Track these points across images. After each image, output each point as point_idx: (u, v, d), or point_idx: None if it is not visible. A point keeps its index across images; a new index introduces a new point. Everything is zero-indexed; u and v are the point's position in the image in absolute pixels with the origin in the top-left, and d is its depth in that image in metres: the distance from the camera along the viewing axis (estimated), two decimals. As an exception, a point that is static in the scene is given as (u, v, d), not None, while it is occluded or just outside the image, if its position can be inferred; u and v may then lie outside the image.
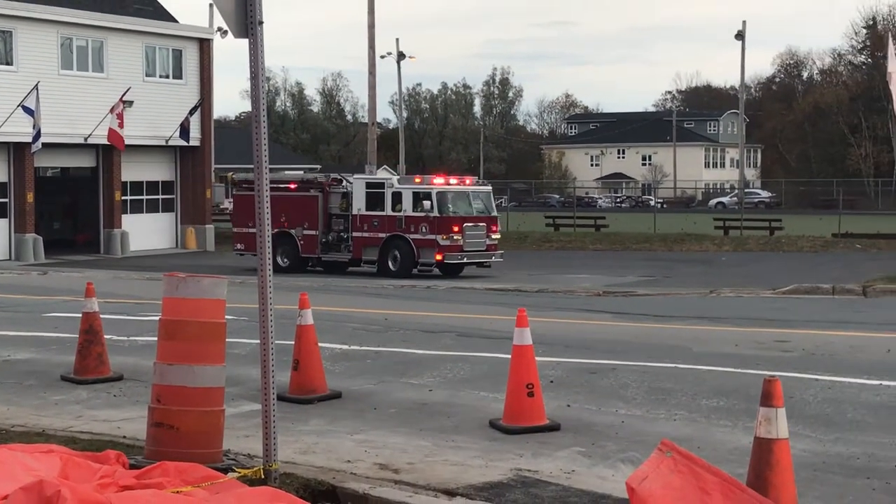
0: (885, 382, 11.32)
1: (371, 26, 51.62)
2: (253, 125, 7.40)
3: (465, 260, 34.28)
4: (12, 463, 6.82)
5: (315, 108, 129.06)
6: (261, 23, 7.24)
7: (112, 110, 41.84)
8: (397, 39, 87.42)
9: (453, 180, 37.03)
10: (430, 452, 8.86)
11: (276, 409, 7.66)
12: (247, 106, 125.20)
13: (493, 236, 35.67)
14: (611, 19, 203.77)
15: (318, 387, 10.74)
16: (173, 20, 51.26)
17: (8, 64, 43.51)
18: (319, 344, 12.92)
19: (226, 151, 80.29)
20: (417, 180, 36.68)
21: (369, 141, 52.32)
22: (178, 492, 6.82)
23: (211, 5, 58.68)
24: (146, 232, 47.72)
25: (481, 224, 35.32)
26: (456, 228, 34.48)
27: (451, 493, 7.78)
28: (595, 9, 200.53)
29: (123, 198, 47.22)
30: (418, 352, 13.24)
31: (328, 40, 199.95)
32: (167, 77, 48.87)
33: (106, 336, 11.93)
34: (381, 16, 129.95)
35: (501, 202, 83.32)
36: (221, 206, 68.88)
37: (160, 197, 49.45)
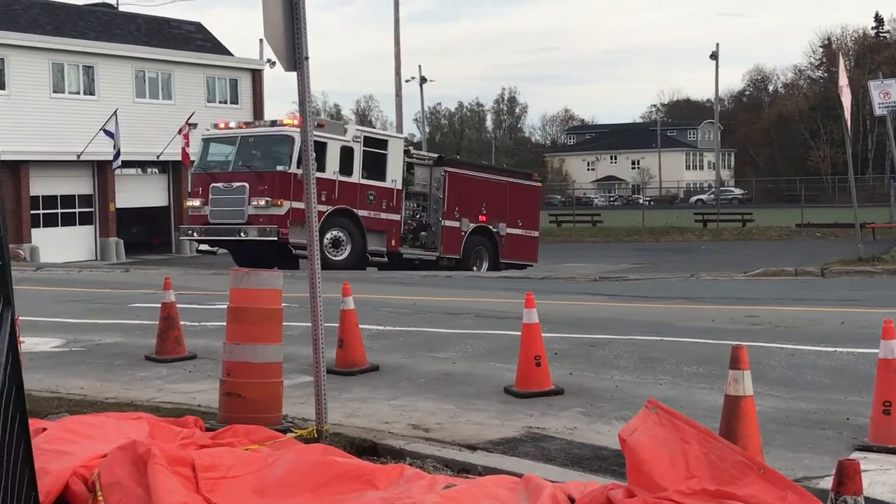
0: (839, 349, 11.41)
1: (397, 55, 51.81)
2: (302, 143, 7.57)
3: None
4: (109, 427, 7.01)
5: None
6: (307, 58, 7.41)
7: (179, 132, 42.24)
8: (419, 66, 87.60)
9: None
10: (454, 414, 9.01)
11: (325, 380, 7.83)
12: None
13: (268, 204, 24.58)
14: (598, 43, 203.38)
15: (359, 361, 10.90)
16: (230, 54, 51.54)
17: (91, 94, 43.87)
18: (362, 325, 13.15)
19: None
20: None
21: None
22: (246, 449, 7.00)
23: (261, 41, 58.99)
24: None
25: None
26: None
27: (472, 448, 7.93)
28: (581, 36, 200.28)
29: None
30: (443, 331, 13.37)
31: (361, 67, 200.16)
32: (225, 102, 49.17)
33: (181, 321, 12.10)
34: (405, 45, 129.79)
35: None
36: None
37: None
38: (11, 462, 4.83)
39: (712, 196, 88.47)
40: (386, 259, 27.18)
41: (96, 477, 5.89)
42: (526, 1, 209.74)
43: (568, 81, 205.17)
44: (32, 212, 42.24)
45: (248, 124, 26.46)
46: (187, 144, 42.35)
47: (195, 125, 43.34)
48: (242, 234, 24.88)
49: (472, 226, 29.01)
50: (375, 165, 26.72)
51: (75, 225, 43.76)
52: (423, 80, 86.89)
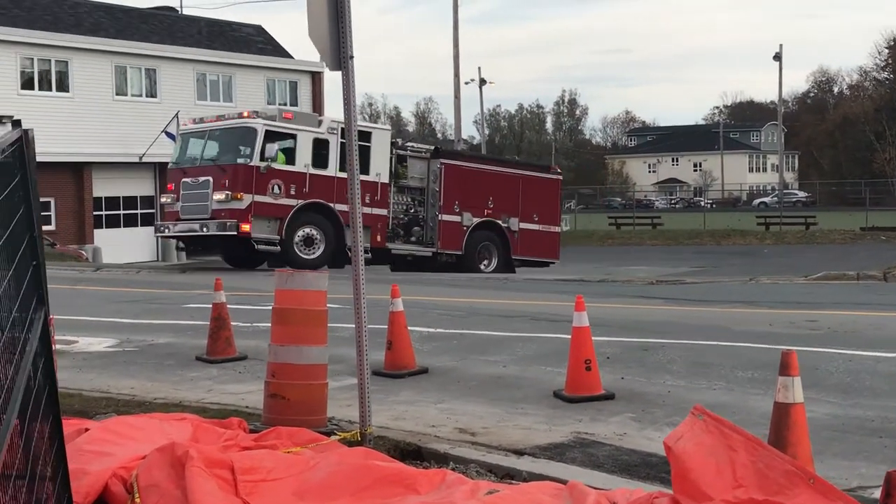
0: (899, 355, 11.13)
1: (456, 58, 51.75)
2: (347, 143, 7.49)
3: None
4: (151, 428, 6.99)
5: (410, 128, 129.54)
6: (351, 57, 7.33)
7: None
8: (479, 68, 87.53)
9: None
10: (502, 418, 8.88)
11: (370, 382, 7.75)
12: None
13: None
14: (660, 45, 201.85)
15: (408, 364, 10.81)
16: (290, 56, 51.81)
17: (153, 96, 44.31)
18: (410, 328, 13.00)
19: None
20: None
21: (455, 146, 52.37)
22: (288, 452, 6.94)
23: (321, 43, 59.18)
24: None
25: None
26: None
27: (519, 453, 7.81)
28: (645, 37, 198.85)
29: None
30: (495, 333, 13.24)
31: (422, 69, 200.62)
32: (285, 104, 49.40)
33: (232, 322, 12.09)
34: (465, 47, 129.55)
35: (570, 205, 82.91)
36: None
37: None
38: (45, 463, 4.79)
39: (775, 199, 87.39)
40: (369, 255, 25.39)
41: (134, 479, 5.86)
42: (588, 2, 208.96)
43: (629, 83, 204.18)
44: (95, 213, 42.77)
45: (219, 118, 25.72)
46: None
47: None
48: (205, 229, 24.42)
49: (476, 220, 27.85)
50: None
51: (137, 226, 44.23)
52: (482, 82, 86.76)
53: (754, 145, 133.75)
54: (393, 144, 26.84)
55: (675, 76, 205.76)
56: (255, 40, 51.54)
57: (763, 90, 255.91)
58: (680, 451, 5.56)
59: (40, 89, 41.17)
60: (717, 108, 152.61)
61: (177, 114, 40.47)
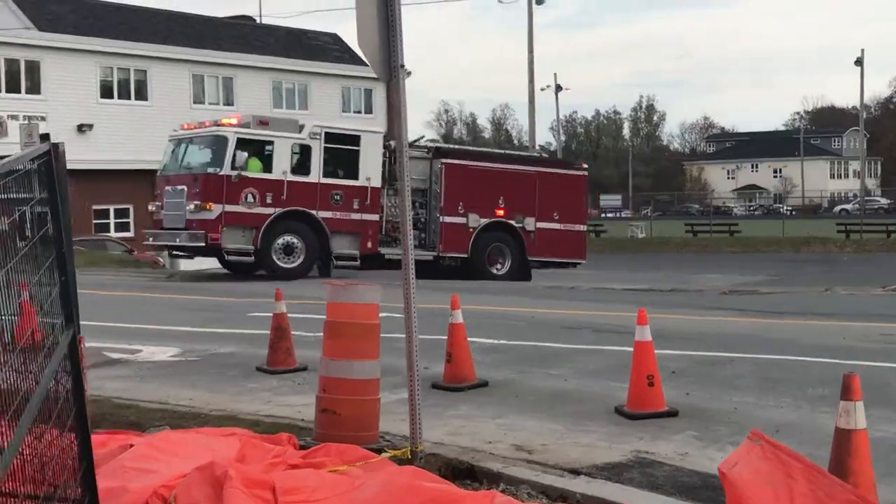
0: (980, 372, 10.65)
1: (531, 63, 51.47)
2: (397, 152, 7.32)
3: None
4: (196, 445, 6.87)
5: (486, 134, 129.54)
6: (402, 66, 7.16)
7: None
8: (555, 74, 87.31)
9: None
10: (561, 435, 8.64)
11: (420, 398, 7.57)
12: (430, 135, 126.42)
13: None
14: (740, 50, 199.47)
15: (467, 377, 10.59)
16: (365, 64, 52.00)
17: (230, 104, 44.74)
18: (473, 339, 12.80)
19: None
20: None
21: (531, 162, 52.05)
22: (334, 470, 6.77)
23: (396, 50, 59.38)
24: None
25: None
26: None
27: (575, 472, 7.56)
28: (724, 42, 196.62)
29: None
30: (558, 345, 12.97)
31: (498, 76, 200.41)
32: (360, 112, 49.60)
33: (295, 332, 11.96)
34: (542, 54, 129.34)
35: (646, 212, 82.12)
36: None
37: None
38: (72, 484, 4.67)
39: (857, 206, 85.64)
40: (357, 262, 25.38)
41: (173, 499, 5.72)
42: (665, 7, 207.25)
43: (707, 88, 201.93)
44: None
45: (200, 125, 25.29)
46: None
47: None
48: (177, 239, 24.22)
49: (485, 221, 26.77)
50: (344, 163, 25.12)
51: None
52: (558, 88, 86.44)
53: (835, 151, 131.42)
54: (386, 147, 25.96)
55: (755, 81, 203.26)
56: (331, 49, 51.80)
57: (844, 95, 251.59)
58: (735, 478, 5.29)
59: (119, 98, 41.76)
60: (798, 113, 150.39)
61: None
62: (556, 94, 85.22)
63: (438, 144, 28.29)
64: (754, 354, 12.00)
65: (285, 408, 9.80)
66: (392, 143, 25.19)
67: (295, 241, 24.25)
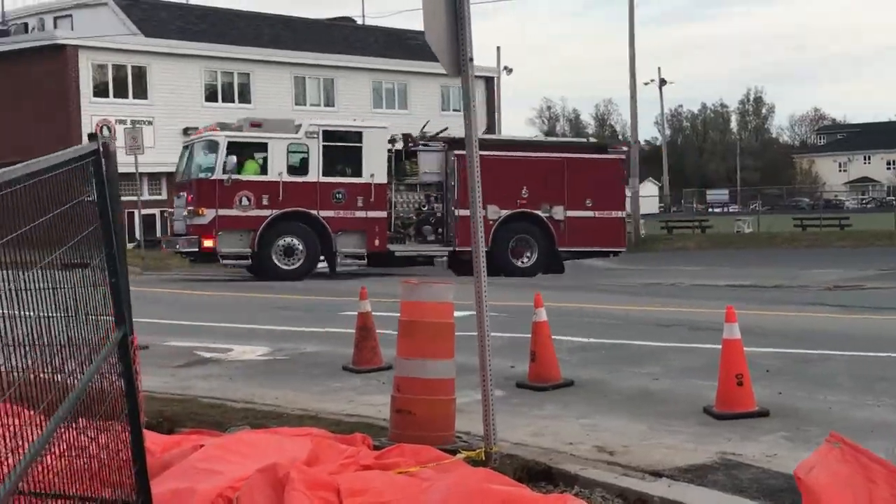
0: None
1: (632, 58, 50.84)
2: (467, 151, 7.17)
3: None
4: (267, 445, 6.80)
5: (590, 130, 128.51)
6: (471, 60, 7.01)
7: (415, 140, 42.85)
8: (659, 68, 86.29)
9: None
10: (645, 436, 8.40)
11: (493, 398, 7.41)
12: (532, 132, 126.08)
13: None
14: (850, 41, 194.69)
15: (553, 376, 10.38)
16: (464, 62, 51.96)
17: (330, 105, 45.11)
18: (562, 337, 12.62)
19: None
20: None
21: (631, 157, 51.41)
22: (405, 472, 6.65)
23: (498, 48, 59.21)
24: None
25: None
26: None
27: (657, 474, 7.32)
28: (833, 33, 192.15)
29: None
30: (650, 343, 12.66)
31: (601, 71, 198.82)
32: (459, 111, 49.49)
33: (384, 331, 11.88)
34: (646, 48, 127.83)
35: (755, 206, 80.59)
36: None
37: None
38: (125, 487, 4.63)
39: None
40: (364, 261, 25.35)
41: (236, 500, 5.66)
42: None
43: (817, 80, 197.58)
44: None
45: (200, 130, 25.57)
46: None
47: (430, 133, 43.96)
48: (178, 245, 24.43)
49: (505, 213, 25.88)
50: (346, 160, 24.89)
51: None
52: (662, 82, 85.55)
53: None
54: (391, 142, 25.66)
55: (867, 72, 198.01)
56: (430, 48, 51.89)
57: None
58: (812, 483, 5.02)
59: (223, 101, 42.40)
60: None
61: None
62: (661, 89, 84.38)
63: (454, 136, 27.17)
64: (853, 352, 11.57)
65: (368, 407, 9.73)
66: (398, 136, 25.23)
67: (295, 241, 24.19)
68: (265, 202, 23.81)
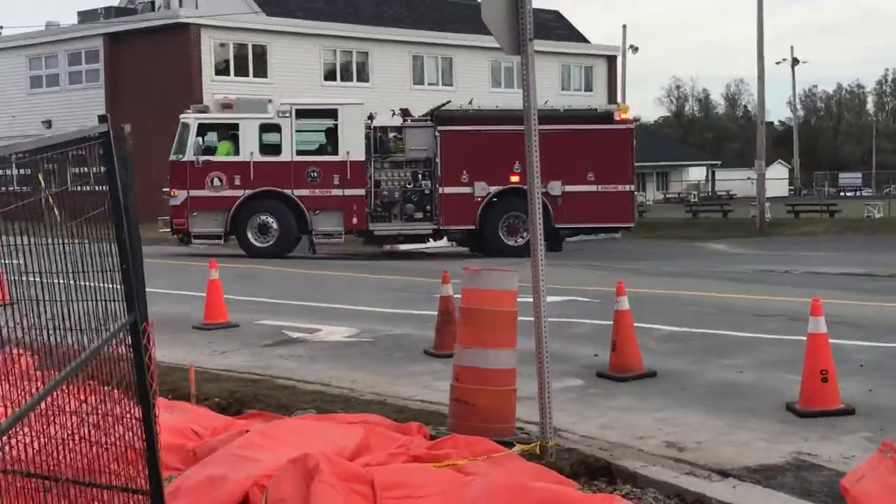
0: None
1: (760, 39, 49.44)
2: (526, 131, 6.92)
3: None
4: (313, 433, 6.69)
5: (720, 110, 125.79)
6: (531, 39, 6.76)
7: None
8: (791, 47, 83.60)
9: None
10: (720, 432, 8.06)
11: (550, 390, 7.17)
12: (660, 112, 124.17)
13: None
14: None
15: (633, 366, 10.06)
16: (586, 41, 51.26)
17: (448, 85, 44.98)
18: (651, 325, 12.29)
19: (646, 150, 79.58)
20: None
21: (758, 139, 50.06)
22: (453, 465, 6.47)
23: (624, 27, 58.30)
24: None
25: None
26: None
27: (724, 474, 7.00)
28: None
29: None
30: (741, 334, 12.20)
31: (732, 51, 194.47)
32: (579, 90, 48.97)
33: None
34: (780, 26, 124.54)
35: (889, 189, 77.91)
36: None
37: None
38: (134, 475, 4.56)
39: None
40: (342, 240, 25.23)
41: (266, 491, 5.56)
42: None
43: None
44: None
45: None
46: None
47: (549, 113, 43.54)
48: (164, 225, 24.80)
49: (495, 189, 25.13)
50: (322, 138, 24.99)
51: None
52: (794, 61, 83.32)
53: None
54: (370, 118, 25.41)
55: None
56: (552, 26, 51.33)
57: None
58: (859, 493, 4.70)
59: (342, 80, 42.64)
60: None
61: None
62: (793, 68, 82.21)
63: (443, 111, 26.63)
64: (960, 348, 10.95)
65: (440, 393, 9.54)
66: (372, 114, 25.10)
67: (269, 220, 24.35)
68: (237, 182, 24.21)
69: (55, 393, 4.01)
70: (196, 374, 10.23)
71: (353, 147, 24.56)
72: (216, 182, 24.14)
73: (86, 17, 45.57)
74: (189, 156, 24.25)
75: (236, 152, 24.32)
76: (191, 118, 24.60)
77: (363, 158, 24.73)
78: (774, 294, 16.16)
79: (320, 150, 24.87)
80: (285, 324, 13.67)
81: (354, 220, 24.87)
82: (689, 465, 7.22)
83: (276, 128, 24.48)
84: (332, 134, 24.87)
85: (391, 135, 25.55)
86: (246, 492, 5.70)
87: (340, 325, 13.57)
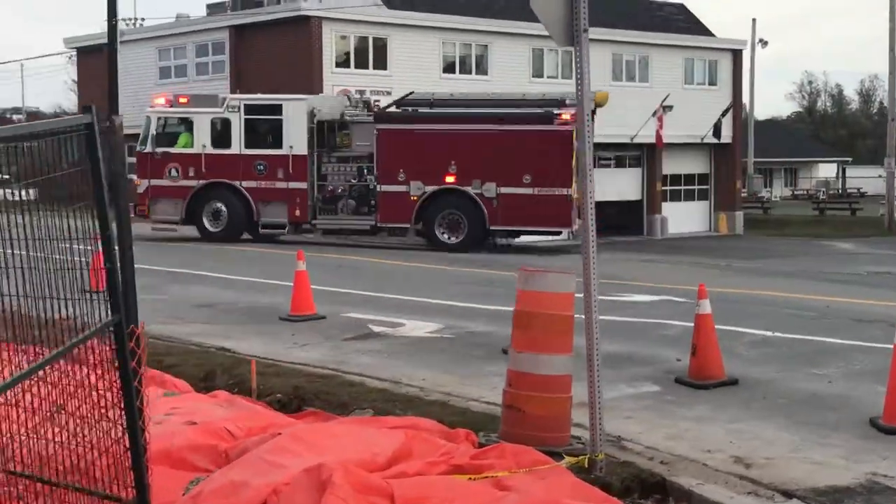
0: None
1: (892, 31, 47.66)
2: (578, 124, 6.49)
3: None
4: (349, 438, 6.37)
5: (853, 106, 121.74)
6: (585, 30, 6.33)
7: (654, 114, 41.84)
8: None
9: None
10: (795, 448, 7.51)
11: (601, 400, 6.71)
12: (792, 107, 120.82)
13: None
14: None
15: (714, 373, 9.51)
16: (710, 34, 49.98)
17: (567, 78, 44.25)
18: (744, 329, 11.71)
19: (769, 146, 77.55)
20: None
21: (888, 135, 48.25)
22: (491, 476, 6.09)
23: (754, 20, 56.73)
24: (683, 217, 47.02)
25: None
26: None
27: (788, 495, 6.49)
28: None
29: (664, 188, 46.92)
30: (836, 341, 11.48)
31: (867, 45, 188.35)
32: (703, 84, 47.81)
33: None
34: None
35: None
36: (758, 195, 66.67)
37: (696, 187, 48.91)
38: (119, 483, 4.31)
39: None
40: (285, 231, 25.75)
41: (278, 502, 5.27)
42: None
43: None
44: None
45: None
46: (661, 127, 41.98)
47: (670, 107, 42.58)
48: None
49: (431, 189, 24.98)
50: (268, 133, 25.51)
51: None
52: (932, 55, 79.88)
53: None
54: (311, 114, 25.49)
55: None
56: (675, 19, 50.17)
57: None
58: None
59: (460, 73, 42.36)
60: None
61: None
62: (929, 63, 78.84)
63: (386, 106, 26.72)
64: None
65: (509, 396, 9.18)
66: (315, 109, 25.35)
67: (221, 206, 25.35)
68: (191, 173, 25.38)
69: (26, 395, 3.77)
70: (267, 367, 10.06)
71: (296, 141, 25.44)
72: (173, 172, 25.48)
73: (214, 9, 46.18)
74: (149, 147, 25.87)
75: (189, 146, 25.79)
76: (152, 112, 26.18)
77: (306, 153, 25.35)
78: (881, 298, 15.30)
79: (267, 144, 25.66)
80: (371, 317, 13.43)
81: (297, 213, 25.73)
82: (752, 483, 6.73)
83: (226, 122, 25.66)
84: (276, 128, 25.63)
85: (338, 130, 25.81)
86: (264, 500, 5.43)
87: (425, 319, 13.27)
